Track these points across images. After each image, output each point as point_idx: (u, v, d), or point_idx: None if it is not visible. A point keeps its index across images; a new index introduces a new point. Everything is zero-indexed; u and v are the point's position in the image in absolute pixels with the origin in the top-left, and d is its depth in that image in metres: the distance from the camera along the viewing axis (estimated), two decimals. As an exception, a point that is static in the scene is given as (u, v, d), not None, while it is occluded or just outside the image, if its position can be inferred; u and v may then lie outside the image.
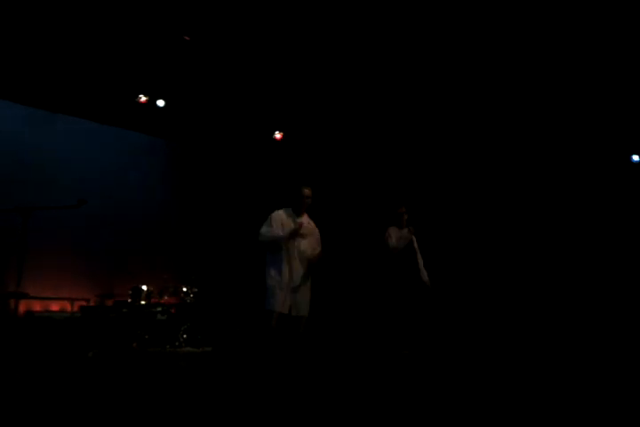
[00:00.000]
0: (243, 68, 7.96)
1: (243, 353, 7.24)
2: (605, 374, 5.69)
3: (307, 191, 4.89)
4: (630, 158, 8.11)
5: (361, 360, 6.81)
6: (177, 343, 7.90)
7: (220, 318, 8.47)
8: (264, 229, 4.76)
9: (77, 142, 8.80)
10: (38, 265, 7.35)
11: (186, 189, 10.08)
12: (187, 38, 7.15)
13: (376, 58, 7.55)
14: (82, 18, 6.70)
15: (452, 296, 8.75)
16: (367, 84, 8.24)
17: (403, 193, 8.90)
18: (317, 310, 4.93)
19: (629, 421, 3.67)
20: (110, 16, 6.67)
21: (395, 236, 6.81)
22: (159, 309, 8.09)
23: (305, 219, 4.94)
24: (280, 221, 4.81)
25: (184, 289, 8.36)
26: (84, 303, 8.08)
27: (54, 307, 7.97)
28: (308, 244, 4.87)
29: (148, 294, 8.06)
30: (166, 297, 8.37)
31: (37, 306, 7.77)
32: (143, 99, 8.44)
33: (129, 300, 7.96)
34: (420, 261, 6.83)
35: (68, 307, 8.02)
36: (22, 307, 7.47)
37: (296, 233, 4.73)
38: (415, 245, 6.88)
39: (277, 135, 9.63)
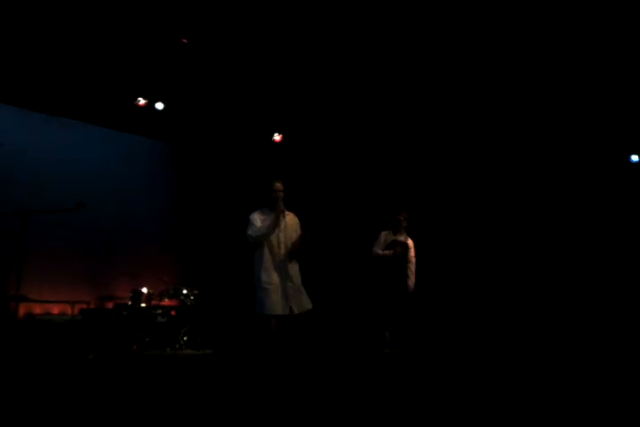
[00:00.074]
0: (241, 71, 7.97)
1: (243, 356, 7.24)
2: (604, 374, 5.69)
3: (278, 185, 4.89)
4: (629, 158, 8.11)
5: (355, 360, 6.81)
6: (177, 346, 7.90)
7: (220, 321, 8.46)
8: (250, 230, 4.77)
9: (76, 145, 8.81)
10: (38, 268, 7.36)
11: (185, 191, 10.09)
12: (185, 41, 7.16)
13: (375, 60, 7.56)
14: (81, 21, 6.70)
15: (451, 296, 8.76)
16: (367, 87, 8.25)
17: (404, 198, 8.90)
18: (313, 310, 4.91)
19: (629, 421, 3.67)
20: (109, 19, 6.68)
21: (382, 241, 6.86)
22: (159, 311, 8.10)
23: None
24: (259, 220, 4.82)
25: (184, 291, 8.35)
26: (84, 306, 8.08)
27: (54, 310, 7.97)
28: (289, 236, 4.86)
29: (149, 297, 8.06)
30: (166, 300, 8.37)
31: (37, 309, 7.78)
32: (142, 102, 8.45)
33: (129, 302, 7.97)
34: (412, 268, 6.86)
35: (69, 310, 8.02)
36: (22, 310, 7.48)
37: (278, 218, 4.73)
38: (412, 253, 6.91)
39: (277, 137, 9.63)
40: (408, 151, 9.51)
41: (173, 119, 9.12)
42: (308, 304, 4.79)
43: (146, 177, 9.64)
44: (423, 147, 9.40)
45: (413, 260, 6.93)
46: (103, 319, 7.51)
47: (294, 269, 4.85)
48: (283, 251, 4.78)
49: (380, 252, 6.83)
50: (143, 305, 7.95)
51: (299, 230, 4.94)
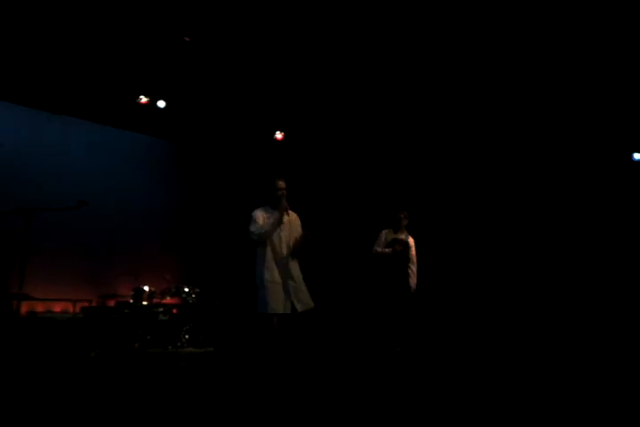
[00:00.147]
0: (243, 69, 7.96)
1: (245, 354, 7.24)
2: (604, 374, 5.69)
3: (281, 183, 4.88)
4: (631, 157, 8.09)
5: (357, 359, 6.81)
6: (179, 344, 7.91)
7: (221, 319, 8.47)
8: (253, 227, 4.76)
9: (78, 143, 8.82)
10: (40, 266, 7.36)
11: (187, 189, 10.09)
12: (187, 39, 7.15)
13: (377, 58, 7.54)
14: (82, 19, 6.70)
15: (452, 295, 8.76)
16: (368, 85, 8.24)
17: (405, 197, 8.89)
18: (315, 309, 4.90)
19: (629, 421, 3.67)
20: (110, 17, 6.67)
21: (382, 239, 6.86)
22: (161, 309, 8.11)
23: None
24: (262, 217, 4.82)
25: (186, 290, 8.36)
26: (86, 304, 8.10)
27: (56, 308, 7.99)
28: (291, 234, 4.86)
29: (150, 295, 8.07)
30: (168, 298, 8.38)
31: (40, 307, 7.79)
32: (144, 100, 8.44)
33: (131, 300, 7.98)
34: (414, 268, 6.85)
35: (71, 308, 8.04)
36: (25, 308, 7.50)
37: (282, 216, 4.73)
38: (413, 252, 6.90)
39: (278, 135, 9.63)
40: (409, 150, 9.50)
41: (175, 117, 9.12)
42: (309, 303, 4.78)
43: (148, 175, 9.65)
44: (424, 145, 9.38)
45: (414, 259, 6.92)
46: (105, 317, 7.52)
47: (296, 267, 4.85)
48: (285, 249, 4.78)
49: (380, 250, 6.83)
50: (145, 303, 7.96)
51: (300, 229, 4.94)
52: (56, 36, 6.96)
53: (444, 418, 3.67)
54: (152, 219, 9.45)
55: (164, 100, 8.56)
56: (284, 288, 4.67)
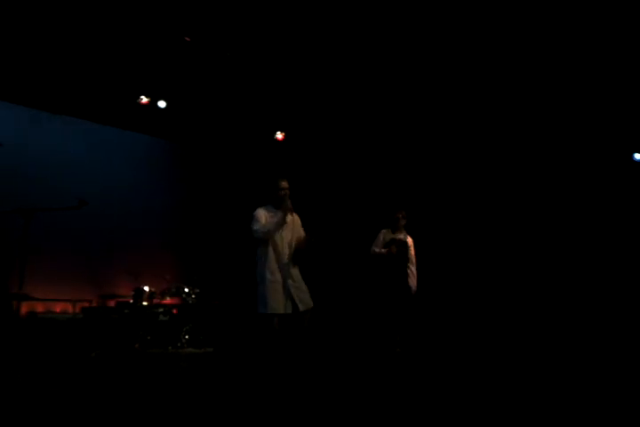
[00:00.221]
0: (243, 69, 7.96)
1: (245, 354, 7.24)
2: (604, 374, 5.68)
3: (283, 183, 4.87)
4: (632, 157, 8.08)
5: (357, 360, 6.81)
6: (179, 344, 7.91)
7: (221, 319, 8.47)
8: (256, 226, 4.74)
9: (78, 143, 8.82)
10: (40, 266, 7.35)
11: (187, 189, 10.09)
12: (187, 39, 7.15)
13: (377, 59, 7.54)
14: (83, 19, 6.70)
15: (451, 294, 8.75)
16: (368, 85, 8.24)
17: (404, 196, 8.89)
18: (315, 310, 4.89)
19: (629, 421, 3.66)
20: (111, 17, 6.67)
21: (380, 239, 6.86)
22: (161, 310, 8.11)
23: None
24: (265, 216, 4.81)
25: (186, 290, 8.36)
26: (86, 304, 8.09)
27: (56, 308, 7.98)
28: (293, 234, 4.86)
29: (150, 295, 8.07)
30: (168, 298, 8.38)
31: (40, 307, 7.78)
32: (144, 100, 8.44)
33: (131, 301, 7.97)
34: (413, 269, 6.84)
35: (70, 308, 8.03)
36: (25, 308, 7.49)
37: (286, 216, 4.72)
38: (412, 252, 6.90)
39: (279, 136, 9.63)
40: (407, 150, 9.49)
41: (175, 117, 9.12)
42: (309, 303, 4.78)
43: (148, 175, 9.65)
44: (423, 145, 9.38)
45: (414, 259, 6.90)
46: (105, 318, 7.51)
47: (296, 267, 4.84)
48: (286, 249, 4.77)
49: (377, 250, 6.83)
50: (145, 303, 7.96)
51: (301, 230, 4.93)
52: (57, 35, 6.96)
53: (443, 418, 3.66)
54: (152, 219, 9.45)
55: (165, 100, 8.56)
56: (284, 288, 4.66)
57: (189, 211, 9.99)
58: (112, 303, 8.33)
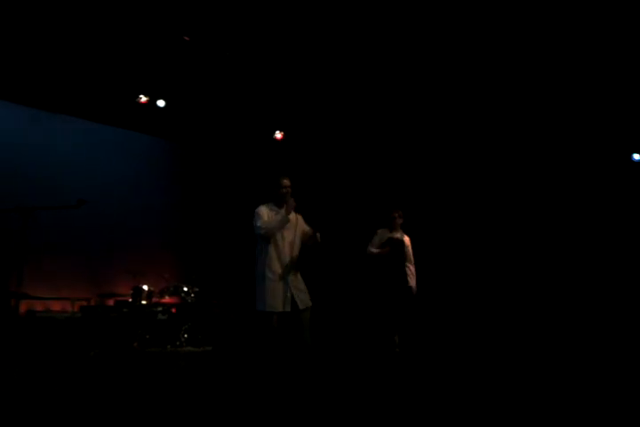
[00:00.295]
0: (242, 68, 7.96)
1: (244, 353, 7.24)
2: (604, 374, 5.69)
3: (285, 181, 4.87)
4: (631, 157, 8.09)
5: (355, 360, 6.82)
6: (178, 343, 7.91)
7: (220, 318, 8.47)
8: (259, 223, 4.73)
9: (77, 143, 8.82)
10: (39, 265, 7.37)
11: (186, 188, 10.09)
12: (186, 39, 7.15)
13: (375, 58, 7.54)
14: (82, 18, 6.70)
15: (447, 295, 8.76)
16: (367, 85, 8.24)
17: (401, 196, 8.89)
18: (313, 309, 4.89)
19: (629, 421, 3.67)
20: (110, 16, 6.67)
21: (377, 239, 6.85)
22: (160, 308, 8.11)
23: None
24: (267, 213, 4.81)
25: (185, 289, 8.36)
26: (84, 303, 8.09)
27: (55, 307, 7.97)
28: (294, 233, 4.85)
29: (149, 294, 8.07)
30: (167, 297, 8.38)
31: (38, 306, 7.77)
32: (143, 99, 8.45)
33: (130, 299, 7.97)
34: (412, 268, 6.83)
35: (69, 307, 8.03)
36: (23, 307, 7.48)
37: (289, 213, 4.72)
38: (409, 251, 6.89)
39: (278, 135, 9.63)
40: (403, 149, 9.50)
41: (175, 117, 9.12)
42: (308, 302, 4.78)
43: (147, 174, 9.65)
44: (419, 144, 9.38)
45: (412, 258, 6.89)
46: (104, 316, 7.51)
47: (296, 266, 4.84)
48: (287, 248, 4.77)
49: (373, 250, 6.82)
50: (144, 302, 7.96)
51: (306, 227, 4.92)
52: (56, 35, 6.96)
53: (442, 418, 3.67)
54: (151, 218, 9.46)
55: (164, 99, 8.56)
56: (284, 286, 4.66)
57: (188, 210, 9.99)
58: (111, 302, 8.33)
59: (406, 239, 6.93)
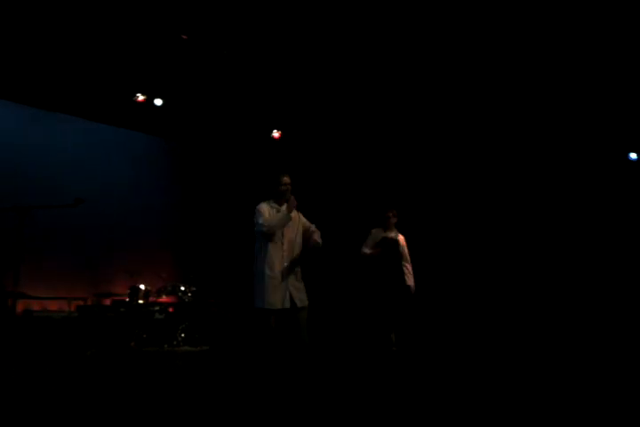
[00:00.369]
0: (240, 67, 7.95)
1: (241, 352, 7.24)
2: (604, 374, 5.70)
3: (285, 179, 4.86)
4: (628, 156, 8.11)
5: (353, 359, 6.82)
6: (175, 342, 7.91)
7: (217, 318, 8.47)
8: (261, 220, 4.72)
9: (75, 141, 8.80)
10: (36, 264, 7.35)
11: (184, 187, 10.08)
12: (184, 37, 7.14)
13: (373, 57, 7.54)
14: (80, 17, 6.68)
15: (444, 294, 8.77)
16: (362, 85, 8.24)
17: (395, 195, 8.89)
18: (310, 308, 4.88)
19: (629, 421, 3.68)
20: (108, 15, 6.66)
21: (371, 239, 6.85)
22: (157, 308, 8.10)
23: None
24: (268, 211, 4.80)
25: (182, 288, 8.36)
26: (81, 303, 8.07)
27: (52, 306, 7.95)
28: (295, 231, 4.85)
29: (146, 294, 8.06)
30: (164, 296, 8.37)
31: (35, 305, 7.76)
32: (141, 98, 8.43)
33: (127, 299, 7.96)
34: (409, 267, 6.83)
35: (66, 306, 8.01)
36: (20, 306, 7.46)
37: (291, 211, 4.71)
38: (405, 250, 6.89)
39: (275, 134, 9.63)
40: (398, 148, 9.50)
41: (172, 115, 9.11)
42: (305, 300, 4.78)
43: (144, 173, 9.63)
44: (414, 144, 9.38)
45: (408, 257, 6.89)
46: (101, 316, 7.51)
47: (295, 264, 4.83)
48: (287, 246, 4.76)
49: (367, 251, 6.82)
50: (141, 302, 7.95)
51: (307, 223, 4.91)
52: (53, 34, 6.94)
53: (440, 417, 3.67)
54: (148, 217, 9.44)
55: (161, 98, 8.55)
56: (282, 284, 4.66)
57: (186, 209, 9.98)
58: (108, 302, 8.32)
59: (401, 238, 6.93)
